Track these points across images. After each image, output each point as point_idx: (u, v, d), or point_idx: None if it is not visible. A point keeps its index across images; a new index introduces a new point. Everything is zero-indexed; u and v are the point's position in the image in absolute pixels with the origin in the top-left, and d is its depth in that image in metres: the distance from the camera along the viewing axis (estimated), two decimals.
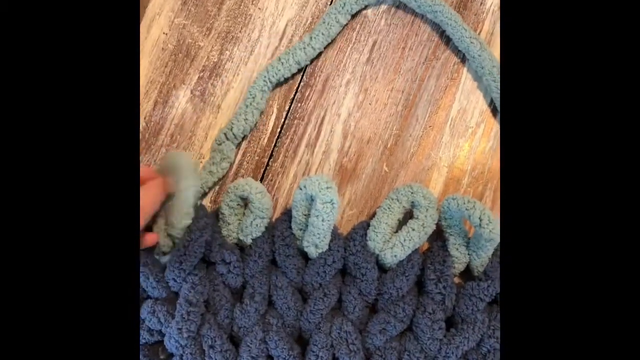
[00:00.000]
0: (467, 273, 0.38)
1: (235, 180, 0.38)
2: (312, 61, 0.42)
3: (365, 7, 0.43)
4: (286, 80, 0.42)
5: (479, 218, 0.34)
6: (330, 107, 0.42)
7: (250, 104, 0.40)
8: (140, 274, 0.36)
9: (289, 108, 0.42)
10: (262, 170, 0.41)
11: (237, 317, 0.36)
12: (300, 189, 0.35)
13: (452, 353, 0.36)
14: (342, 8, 0.41)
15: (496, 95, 0.40)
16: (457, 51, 0.42)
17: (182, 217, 0.34)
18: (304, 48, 0.41)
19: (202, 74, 0.42)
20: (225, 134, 0.40)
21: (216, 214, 0.38)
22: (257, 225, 0.37)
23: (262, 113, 0.41)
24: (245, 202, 0.37)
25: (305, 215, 0.36)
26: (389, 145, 0.41)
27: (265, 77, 0.40)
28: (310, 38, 0.41)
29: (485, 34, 0.42)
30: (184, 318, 0.35)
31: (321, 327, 0.36)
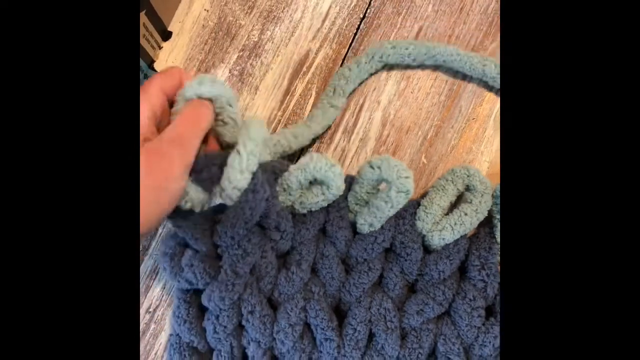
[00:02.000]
0: None
1: (314, 156, 0.33)
2: (351, 44, 0.41)
3: None
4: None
5: None
6: (370, 93, 0.41)
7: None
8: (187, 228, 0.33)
9: None
10: (298, 154, 0.40)
11: (281, 284, 0.35)
12: (373, 168, 0.34)
13: (490, 342, 0.35)
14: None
15: None
16: None
17: (238, 179, 0.30)
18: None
19: (241, 53, 0.41)
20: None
21: (275, 177, 0.34)
22: (321, 206, 0.35)
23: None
24: (316, 179, 0.34)
25: (368, 193, 0.35)
26: (428, 137, 0.40)
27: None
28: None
29: None
30: (228, 288, 0.33)
31: (362, 301, 0.35)
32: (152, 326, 0.39)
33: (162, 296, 0.39)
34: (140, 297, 0.39)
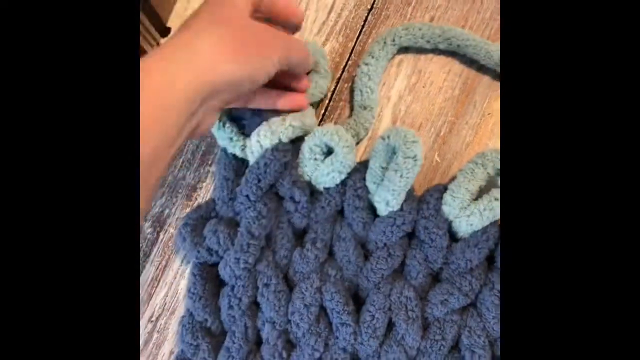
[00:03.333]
0: None
1: (324, 124, 0.35)
2: (358, 36, 0.39)
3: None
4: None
5: None
6: (380, 89, 0.39)
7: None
8: (220, 184, 0.36)
9: (335, 88, 0.39)
10: None
11: (296, 261, 0.35)
12: (383, 139, 0.33)
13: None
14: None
15: None
16: None
17: (266, 136, 0.34)
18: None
19: None
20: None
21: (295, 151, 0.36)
22: (333, 178, 0.34)
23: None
24: (328, 149, 0.35)
25: (382, 168, 0.34)
26: (442, 133, 0.38)
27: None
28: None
29: None
30: (243, 249, 0.34)
31: (380, 288, 0.34)
32: (155, 335, 0.37)
33: (165, 304, 0.38)
34: (143, 306, 0.37)
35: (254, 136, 0.34)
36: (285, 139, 0.34)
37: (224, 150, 0.36)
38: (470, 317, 0.34)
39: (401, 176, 0.32)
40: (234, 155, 0.36)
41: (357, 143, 0.38)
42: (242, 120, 0.35)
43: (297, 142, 0.35)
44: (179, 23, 0.39)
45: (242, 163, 0.36)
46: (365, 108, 0.37)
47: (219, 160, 0.36)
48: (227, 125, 0.35)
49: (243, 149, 0.35)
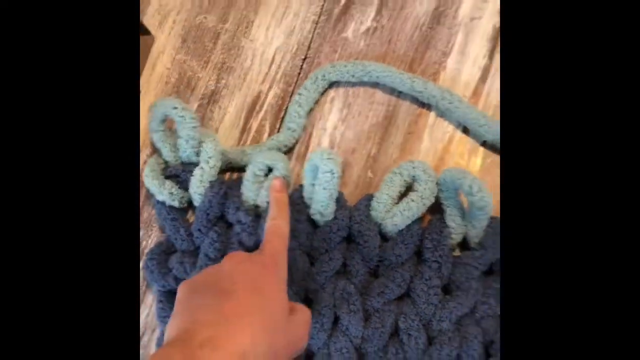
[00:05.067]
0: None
1: (261, 152, 0.43)
2: (296, 82, 0.47)
3: (345, 41, 0.47)
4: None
5: (469, 186, 0.36)
6: (317, 122, 0.46)
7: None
8: (172, 228, 0.42)
9: (279, 125, 0.46)
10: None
11: None
12: (309, 160, 0.40)
13: (446, 317, 0.38)
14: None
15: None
16: (432, 63, 0.45)
17: (197, 185, 0.42)
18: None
19: (201, 101, 0.47)
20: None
21: (239, 181, 0.42)
22: None
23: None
24: (269, 171, 0.42)
25: (312, 185, 0.40)
26: (372, 153, 0.45)
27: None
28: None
29: (459, 45, 0.45)
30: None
31: (325, 288, 0.39)
32: (141, 351, 0.43)
33: (147, 323, 0.43)
34: None
35: (190, 188, 0.42)
36: (212, 178, 0.41)
37: (161, 202, 0.43)
38: (405, 305, 0.39)
39: (324, 188, 0.38)
40: (171, 207, 0.43)
41: None
42: (177, 177, 0.43)
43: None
44: (146, 87, 0.47)
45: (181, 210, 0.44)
46: (289, 129, 0.44)
47: (159, 212, 0.43)
48: (166, 184, 0.42)
49: (181, 200, 0.43)
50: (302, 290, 0.40)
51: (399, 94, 0.45)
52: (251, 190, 0.41)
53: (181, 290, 0.29)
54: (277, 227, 0.35)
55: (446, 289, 0.40)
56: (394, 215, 0.39)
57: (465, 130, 0.44)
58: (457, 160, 0.44)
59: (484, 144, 0.44)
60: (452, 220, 0.39)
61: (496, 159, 0.43)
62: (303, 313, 0.32)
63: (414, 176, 0.40)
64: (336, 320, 0.39)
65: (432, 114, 0.45)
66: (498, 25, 0.45)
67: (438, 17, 0.46)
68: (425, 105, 0.45)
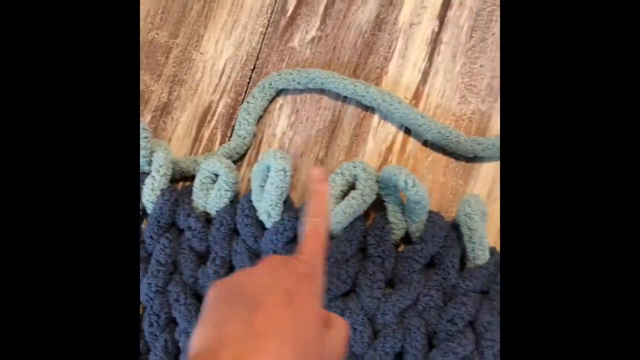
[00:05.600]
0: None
1: (208, 159, 0.44)
2: (246, 91, 0.48)
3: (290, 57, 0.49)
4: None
5: (404, 181, 0.38)
6: (267, 129, 0.47)
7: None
8: None
9: (230, 133, 0.48)
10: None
11: (200, 278, 0.42)
12: (259, 161, 0.41)
13: (389, 310, 0.39)
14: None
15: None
16: (374, 68, 0.47)
17: (149, 194, 0.44)
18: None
19: (154, 113, 0.48)
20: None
21: (190, 188, 0.44)
22: (221, 196, 0.42)
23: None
24: (216, 177, 0.43)
25: (261, 186, 0.42)
26: (320, 156, 0.46)
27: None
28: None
29: (400, 50, 0.47)
30: (154, 275, 0.42)
31: None
32: None
33: None
34: None
35: (144, 194, 0.43)
36: (164, 186, 0.43)
37: None
38: (351, 301, 0.40)
39: (276, 187, 0.40)
40: None
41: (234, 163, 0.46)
42: None
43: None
44: None
45: None
46: (239, 136, 0.46)
47: None
48: None
49: None
50: None
51: (344, 99, 0.47)
52: (200, 197, 0.43)
53: (211, 295, 0.27)
54: (316, 226, 0.32)
55: (391, 284, 0.41)
56: (337, 213, 0.40)
57: (408, 131, 0.46)
58: (400, 159, 0.45)
59: (425, 143, 0.45)
60: (393, 216, 0.41)
61: (437, 156, 0.45)
62: (340, 327, 0.29)
63: (354, 175, 0.41)
64: None
65: (376, 117, 0.46)
66: (436, 29, 0.47)
67: (379, 24, 0.48)
68: (369, 109, 0.47)
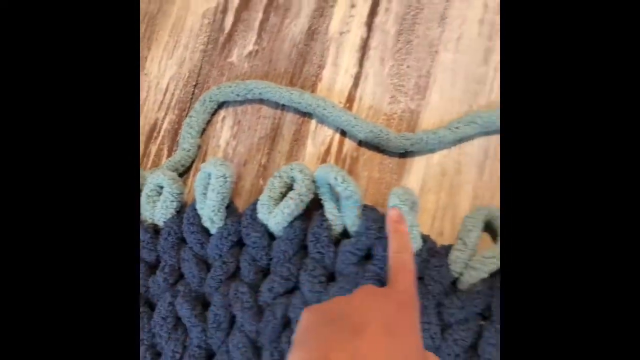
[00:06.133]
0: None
1: (153, 173, 0.45)
2: (189, 107, 0.51)
3: (230, 66, 0.51)
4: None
5: (335, 178, 0.40)
6: (211, 140, 0.49)
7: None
8: None
9: (176, 148, 0.50)
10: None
11: (151, 286, 0.44)
12: (201, 170, 0.43)
13: None
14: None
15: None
16: (309, 76, 0.50)
17: None
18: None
19: None
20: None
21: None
22: (167, 207, 0.44)
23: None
24: (161, 190, 0.45)
25: (204, 193, 0.44)
26: (262, 163, 0.48)
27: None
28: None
29: (332, 57, 0.50)
30: None
31: (220, 290, 0.42)
32: None
33: None
34: None
35: None
36: None
37: None
38: (294, 297, 0.42)
39: (217, 193, 0.42)
40: None
41: (180, 176, 0.48)
42: None
43: None
44: None
45: None
46: (184, 149, 0.48)
47: None
48: None
49: None
50: (200, 296, 0.43)
51: (283, 107, 0.49)
52: (147, 210, 0.45)
53: (307, 318, 0.27)
54: (404, 261, 0.33)
55: (333, 278, 0.43)
56: (276, 214, 0.42)
57: (344, 133, 0.48)
58: (338, 160, 0.48)
59: (360, 142, 0.48)
60: (330, 213, 0.43)
61: (371, 154, 0.47)
62: None
63: (292, 177, 0.43)
64: (233, 319, 0.42)
65: (313, 122, 0.49)
66: (365, 35, 0.50)
67: (311, 34, 0.51)
68: (307, 114, 0.49)
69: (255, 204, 0.44)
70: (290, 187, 0.44)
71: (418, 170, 0.46)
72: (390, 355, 0.24)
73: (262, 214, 0.43)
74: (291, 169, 0.43)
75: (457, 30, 0.48)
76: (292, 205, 0.42)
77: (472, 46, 0.48)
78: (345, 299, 0.28)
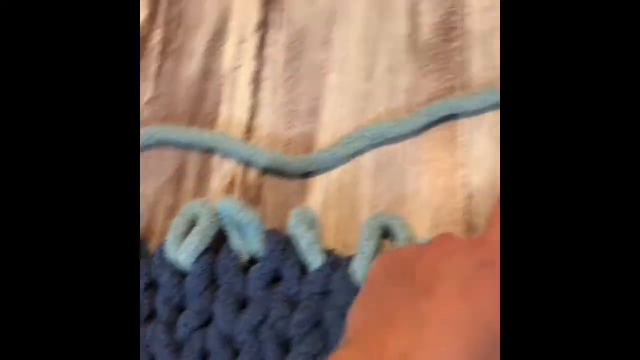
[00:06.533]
0: None
1: None
2: None
3: None
4: None
5: (232, 208, 0.42)
6: None
7: None
8: None
9: None
10: None
11: None
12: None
13: (243, 329, 0.42)
14: None
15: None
16: (208, 114, 0.52)
17: None
18: None
19: None
20: None
21: None
22: None
23: None
24: None
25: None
26: (169, 204, 0.49)
27: None
28: None
29: (228, 93, 0.52)
30: None
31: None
32: None
33: None
34: None
35: None
36: None
37: None
38: (209, 329, 0.42)
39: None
40: None
41: None
42: None
43: None
44: None
45: None
46: None
47: None
48: None
49: None
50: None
51: (185, 147, 0.51)
52: None
53: (376, 268, 0.25)
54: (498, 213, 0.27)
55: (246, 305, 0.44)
56: (181, 252, 0.43)
57: (247, 163, 0.50)
58: (242, 190, 0.49)
59: (263, 171, 0.49)
60: (235, 243, 0.44)
61: (275, 180, 0.49)
62: None
63: (194, 213, 0.45)
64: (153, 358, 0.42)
65: (216, 157, 0.50)
66: (256, 69, 0.52)
67: (206, 73, 0.53)
68: (209, 151, 0.51)
69: (162, 244, 0.45)
70: (194, 224, 0.45)
71: (319, 188, 0.48)
72: (463, 323, 0.21)
73: (169, 254, 0.44)
74: (193, 206, 0.45)
75: (340, 52, 0.51)
76: (196, 241, 0.43)
77: (356, 65, 0.51)
78: (420, 248, 0.25)
